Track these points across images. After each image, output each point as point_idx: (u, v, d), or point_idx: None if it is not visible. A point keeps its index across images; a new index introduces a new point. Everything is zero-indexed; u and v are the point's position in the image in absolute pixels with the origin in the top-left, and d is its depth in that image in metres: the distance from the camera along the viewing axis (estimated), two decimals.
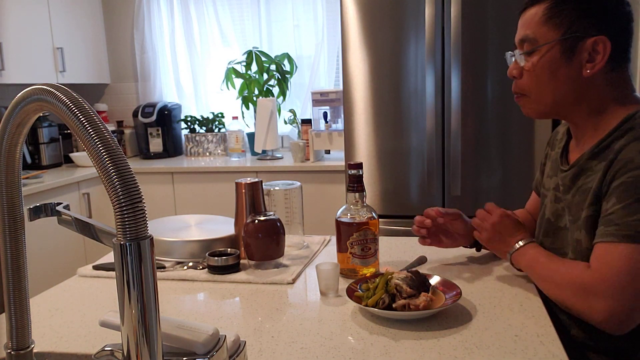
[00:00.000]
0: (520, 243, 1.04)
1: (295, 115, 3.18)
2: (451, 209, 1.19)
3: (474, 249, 1.22)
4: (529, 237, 1.05)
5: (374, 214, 1.11)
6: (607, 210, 0.90)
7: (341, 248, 1.11)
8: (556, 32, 0.94)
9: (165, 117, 3.23)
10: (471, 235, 1.17)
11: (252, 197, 1.22)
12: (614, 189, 0.90)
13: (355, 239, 1.09)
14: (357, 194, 1.10)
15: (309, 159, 2.88)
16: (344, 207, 1.12)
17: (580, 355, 0.99)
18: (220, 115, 3.32)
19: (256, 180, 1.23)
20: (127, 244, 0.43)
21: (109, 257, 1.30)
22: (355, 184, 1.11)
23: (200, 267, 1.19)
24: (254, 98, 3.11)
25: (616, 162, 0.90)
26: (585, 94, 0.97)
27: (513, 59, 1.02)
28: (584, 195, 0.96)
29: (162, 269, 1.19)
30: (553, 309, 1.04)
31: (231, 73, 3.15)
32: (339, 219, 1.11)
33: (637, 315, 0.86)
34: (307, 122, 2.96)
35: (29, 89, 0.51)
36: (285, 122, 3.23)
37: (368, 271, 1.10)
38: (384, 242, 1.33)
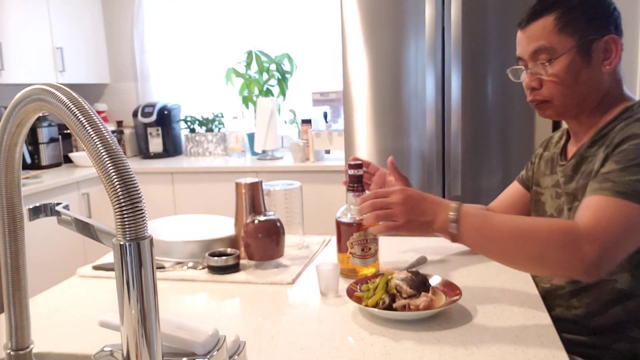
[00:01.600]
0: (454, 205, 0.91)
1: (295, 115, 3.18)
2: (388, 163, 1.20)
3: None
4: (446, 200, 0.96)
5: None
6: (603, 171, 0.91)
7: (341, 248, 1.11)
8: (572, 39, 0.98)
9: (165, 117, 3.23)
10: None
11: (252, 197, 1.22)
12: (612, 156, 0.92)
13: (355, 239, 1.09)
14: (357, 194, 1.10)
15: (309, 159, 2.87)
16: (344, 207, 1.12)
17: (581, 356, 1.00)
18: (220, 115, 3.32)
19: (256, 180, 1.23)
20: (127, 244, 0.43)
21: (109, 257, 1.30)
22: (355, 184, 1.11)
23: (200, 267, 1.19)
24: (254, 98, 3.11)
25: (616, 138, 0.94)
26: (605, 90, 1.01)
27: (522, 73, 1.05)
28: (588, 177, 0.97)
29: (161, 269, 1.19)
30: (554, 308, 1.04)
31: (231, 73, 3.15)
32: (339, 219, 1.11)
33: (609, 266, 0.86)
34: (307, 122, 2.96)
35: (28, 88, 0.50)
36: (285, 122, 3.24)
37: (368, 271, 1.10)
38: (384, 242, 1.33)
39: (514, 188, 1.27)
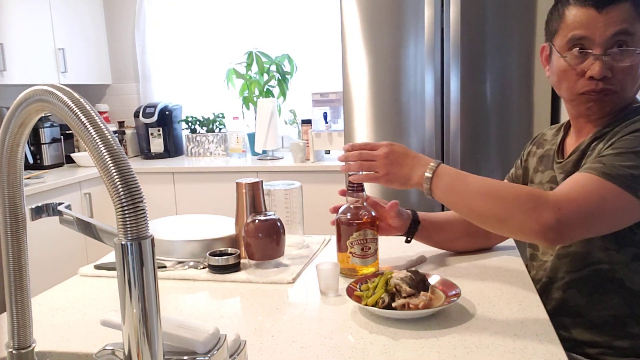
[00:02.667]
0: (433, 163, 0.95)
1: (295, 115, 3.19)
2: (390, 202, 1.15)
3: (406, 238, 1.20)
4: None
5: (373, 214, 1.11)
6: (599, 154, 0.92)
7: (341, 248, 1.11)
8: None
9: (166, 118, 3.24)
10: (405, 226, 1.17)
11: (252, 197, 1.22)
12: (612, 142, 0.92)
13: (354, 238, 1.09)
14: (356, 193, 1.11)
15: (309, 159, 2.88)
16: (344, 206, 1.13)
17: (580, 355, 1.00)
18: (220, 115, 3.32)
19: (256, 180, 1.24)
20: (129, 243, 0.43)
21: (110, 257, 1.31)
22: (354, 184, 1.11)
23: (201, 266, 1.20)
24: (255, 98, 3.12)
25: (619, 133, 0.93)
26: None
27: (604, 59, 0.94)
28: None
29: (163, 269, 1.20)
30: (551, 302, 1.04)
31: (232, 73, 3.15)
32: (339, 219, 1.12)
33: (570, 236, 0.87)
34: (307, 122, 2.96)
35: (30, 89, 0.51)
36: (286, 123, 3.24)
37: (368, 271, 1.10)
38: (383, 242, 1.33)
39: None
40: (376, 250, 1.12)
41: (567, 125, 1.12)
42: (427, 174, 0.95)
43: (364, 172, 1.02)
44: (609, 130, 0.97)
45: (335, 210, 1.14)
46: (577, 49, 0.96)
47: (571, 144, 1.08)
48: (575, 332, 1.01)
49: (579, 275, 1.01)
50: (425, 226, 1.18)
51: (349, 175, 1.08)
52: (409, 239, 1.20)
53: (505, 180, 1.24)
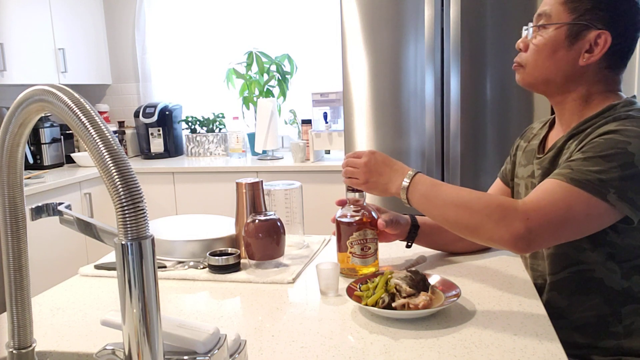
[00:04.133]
0: (411, 172, 1.01)
1: (295, 115, 3.19)
2: (390, 216, 1.15)
3: (407, 243, 1.20)
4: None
5: (373, 214, 1.11)
6: (568, 159, 0.93)
7: (341, 247, 1.11)
8: (569, 15, 0.97)
9: (166, 118, 3.24)
10: (404, 232, 1.18)
11: (252, 197, 1.22)
12: (582, 145, 0.93)
13: (354, 238, 1.09)
14: (357, 194, 1.11)
15: (309, 159, 2.88)
16: (343, 207, 1.13)
17: (581, 356, 1.00)
18: (220, 115, 3.32)
19: (257, 180, 1.24)
20: (129, 243, 0.43)
21: (111, 257, 1.31)
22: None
23: (201, 266, 1.20)
24: (255, 98, 3.12)
25: (592, 134, 0.94)
26: (574, 81, 1.00)
27: (525, 33, 1.05)
28: None
29: (163, 269, 1.20)
30: (554, 309, 1.04)
31: (232, 73, 3.15)
32: (338, 219, 1.12)
33: (540, 244, 0.89)
34: (307, 122, 2.96)
35: (31, 89, 0.51)
36: (286, 123, 3.24)
37: (368, 271, 1.10)
38: (383, 242, 1.33)
39: (496, 186, 1.27)
40: (376, 250, 1.12)
41: (553, 120, 1.13)
42: (404, 183, 1.00)
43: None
44: (585, 128, 0.98)
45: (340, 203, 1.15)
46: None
47: (552, 138, 1.09)
48: (559, 335, 1.01)
49: (558, 278, 1.02)
50: (425, 230, 1.19)
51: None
52: (409, 244, 1.20)
53: (488, 190, 1.26)
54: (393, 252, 1.27)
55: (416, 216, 1.19)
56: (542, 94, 1.06)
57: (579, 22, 0.97)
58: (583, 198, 0.87)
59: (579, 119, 1.01)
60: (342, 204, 1.13)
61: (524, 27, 1.06)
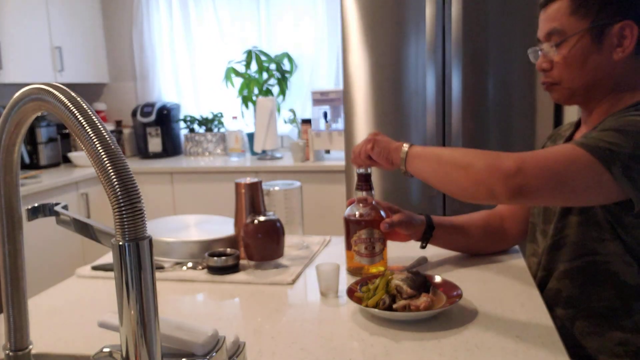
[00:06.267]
0: (405, 146, 1.02)
1: (295, 114, 3.18)
2: (403, 216, 1.15)
3: (421, 243, 1.19)
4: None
5: (382, 213, 1.11)
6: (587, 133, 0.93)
7: (349, 246, 1.11)
8: (584, 22, 0.97)
9: (164, 117, 3.23)
10: (419, 233, 1.16)
11: (251, 197, 1.22)
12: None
13: (360, 237, 1.09)
14: (364, 192, 1.11)
15: (308, 159, 2.87)
16: (352, 205, 1.13)
17: (572, 347, 0.99)
18: (219, 115, 3.32)
19: (256, 180, 1.23)
20: (126, 244, 0.43)
21: (108, 258, 1.30)
22: (362, 182, 1.11)
23: (200, 267, 1.19)
24: (254, 97, 3.11)
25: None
26: (616, 78, 0.99)
27: (540, 54, 1.05)
28: None
29: (161, 270, 1.19)
30: (554, 309, 1.04)
31: (231, 72, 3.14)
32: (347, 217, 1.11)
33: (529, 188, 0.86)
34: (307, 121, 2.96)
35: (27, 88, 0.50)
36: (285, 122, 3.23)
37: (375, 269, 1.10)
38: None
39: None
40: (382, 249, 1.11)
41: (579, 121, 1.13)
42: (402, 156, 1.01)
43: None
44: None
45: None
46: (536, 47, 1.06)
47: (578, 136, 1.09)
48: (565, 322, 1.01)
49: (572, 265, 1.01)
50: (440, 231, 1.18)
51: (357, 172, 1.13)
52: (424, 244, 1.19)
53: None
54: (393, 253, 1.27)
55: (432, 217, 1.18)
56: (583, 103, 1.04)
57: (597, 24, 0.96)
58: (587, 159, 0.85)
59: (605, 115, 1.01)
60: (352, 202, 1.13)
61: (532, 49, 1.06)
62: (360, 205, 1.11)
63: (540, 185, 0.85)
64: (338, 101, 2.79)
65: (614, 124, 0.90)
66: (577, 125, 1.12)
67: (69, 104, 0.45)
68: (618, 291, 0.97)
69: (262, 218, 1.15)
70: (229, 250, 1.20)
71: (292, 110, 3.18)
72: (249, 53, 3.09)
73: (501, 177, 0.85)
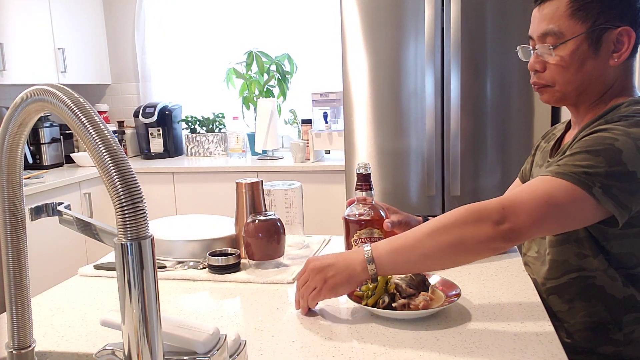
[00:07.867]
0: (365, 246, 0.91)
1: (295, 115, 3.19)
2: (400, 216, 1.14)
3: None
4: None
5: (382, 213, 1.11)
6: (559, 158, 0.92)
7: (349, 245, 1.12)
8: (583, 25, 0.95)
9: (166, 118, 3.23)
10: None
11: (252, 197, 1.22)
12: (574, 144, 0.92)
13: (359, 236, 1.09)
14: (364, 193, 1.11)
15: (309, 159, 2.88)
16: (352, 205, 1.13)
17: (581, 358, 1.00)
18: (220, 115, 3.32)
19: (256, 180, 1.23)
20: (128, 243, 0.43)
21: (110, 257, 1.31)
22: (362, 182, 1.12)
23: (201, 266, 1.20)
24: (255, 98, 3.11)
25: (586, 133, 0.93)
26: (608, 82, 0.98)
27: (532, 53, 1.02)
28: None
29: (162, 269, 1.20)
30: (553, 310, 1.04)
31: (231, 73, 3.15)
32: (346, 217, 1.12)
33: (522, 233, 0.85)
34: (307, 122, 2.96)
35: (30, 89, 0.51)
36: (286, 123, 3.24)
37: None
38: None
39: (515, 185, 1.27)
40: None
41: (570, 122, 1.13)
42: (366, 250, 0.89)
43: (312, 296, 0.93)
44: (590, 131, 0.96)
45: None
46: (527, 44, 1.04)
47: (567, 140, 1.09)
48: (559, 336, 1.01)
49: (557, 283, 1.01)
50: None
51: (357, 172, 1.11)
52: None
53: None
54: None
55: (429, 217, 1.19)
56: (574, 105, 1.03)
57: (596, 28, 0.94)
58: (565, 187, 0.85)
59: (590, 119, 1.00)
60: (351, 203, 1.13)
61: (522, 47, 1.04)
62: (360, 205, 1.12)
63: (529, 224, 0.85)
64: (338, 102, 2.79)
65: (582, 144, 0.89)
66: (568, 126, 1.12)
67: (71, 104, 0.46)
68: (606, 306, 0.96)
69: (262, 218, 1.15)
70: (229, 249, 1.21)
71: (293, 111, 3.19)
72: (250, 54, 3.10)
73: (497, 233, 0.84)
